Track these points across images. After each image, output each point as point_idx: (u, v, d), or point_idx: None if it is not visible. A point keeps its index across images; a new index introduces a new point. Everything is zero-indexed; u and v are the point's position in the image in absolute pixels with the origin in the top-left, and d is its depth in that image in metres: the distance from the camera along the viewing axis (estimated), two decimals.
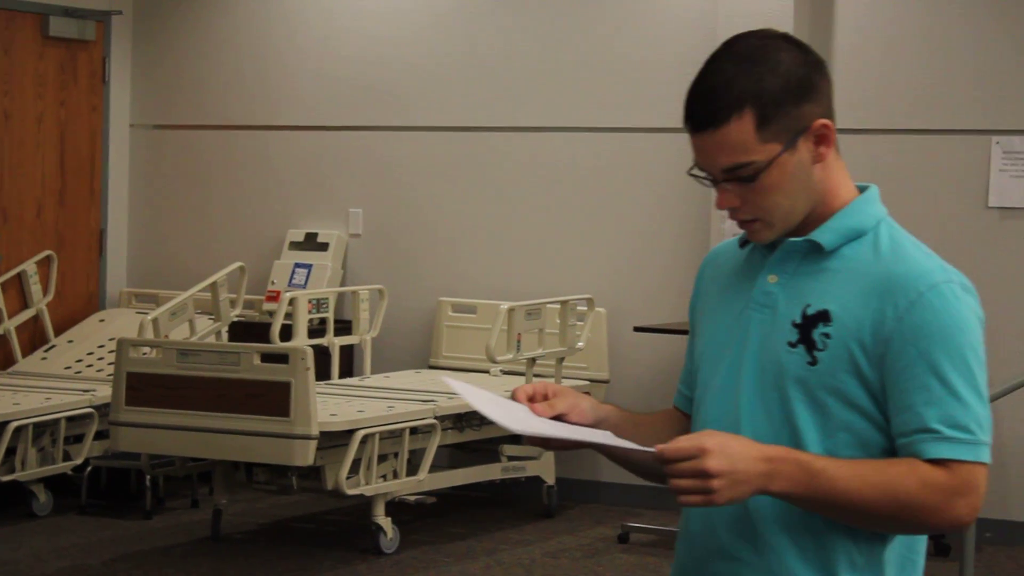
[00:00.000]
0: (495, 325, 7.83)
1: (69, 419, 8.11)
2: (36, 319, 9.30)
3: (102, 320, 9.44)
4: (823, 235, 2.47)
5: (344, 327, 8.76)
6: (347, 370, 8.91)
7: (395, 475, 7.59)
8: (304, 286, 9.16)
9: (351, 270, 9.50)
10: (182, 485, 8.63)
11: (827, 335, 2.41)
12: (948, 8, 8.19)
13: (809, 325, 2.43)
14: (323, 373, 8.24)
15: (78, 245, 9.78)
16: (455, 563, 7.52)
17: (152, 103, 10.05)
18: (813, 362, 2.41)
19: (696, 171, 2.48)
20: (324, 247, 9.41)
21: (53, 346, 9.21)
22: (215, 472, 7.74)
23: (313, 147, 9.64)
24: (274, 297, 9.09)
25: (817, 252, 2.47)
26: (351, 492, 7.35)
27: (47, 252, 9.37)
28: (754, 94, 2.42)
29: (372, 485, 7.43)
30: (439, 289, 9.17)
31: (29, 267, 9.22)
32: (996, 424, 8.21)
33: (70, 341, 9.24)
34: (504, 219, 9.05)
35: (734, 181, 2.43)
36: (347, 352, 8.90)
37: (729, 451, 2.30)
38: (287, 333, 8.21)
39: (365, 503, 7.70)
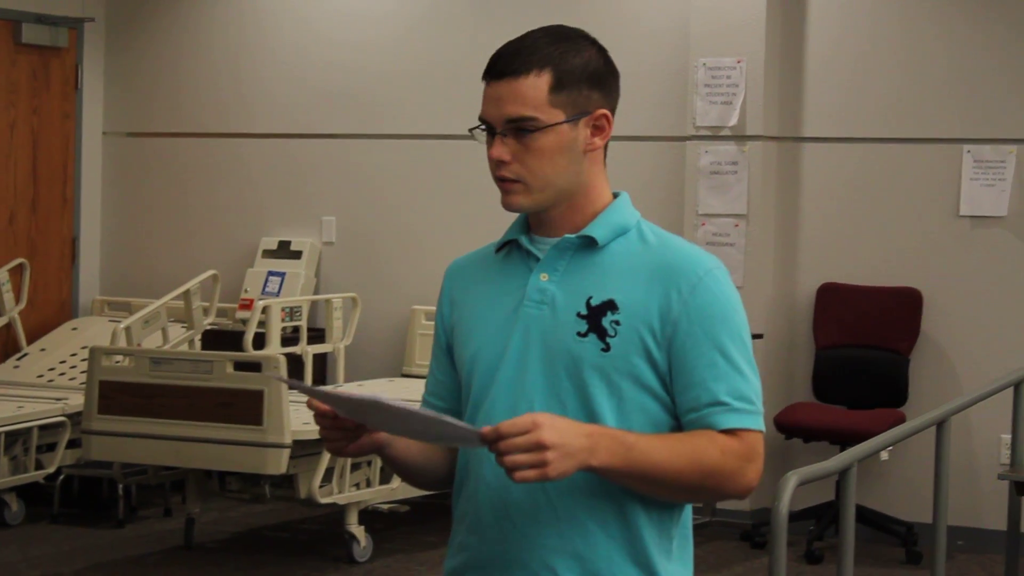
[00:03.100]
0: None
1: (41, 428, 8.09)
2: (8, 327, 9.27)
3: (75, 328, 9.42)
4: (596, 230, 2.62)
5: (318, 335, 8.76)
6: (320, 378, 8.90)
7: (368, 483, 7.59)
8: (277, 294, 9.15)
9: (324, 278, 9.50)
10: (155, 494, 8.62)
11: (616, 322, 2.56)
12: (919, 18, 8.23)
13: (597, 315, 2.57)
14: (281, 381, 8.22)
15: (51, 253, 9.76)
16: (428, 571, 7.52)
17: (125, 111, 10.03)
18: (607, 348, 2.55)
19: (476, 129, 2.64)
20: (297, 255, 9.41)
21: (25, 354, 9.18)
22: (188, 481, 7.73)
23: (286, 155, 9.64)
24: (247, 305, 9.08)
25: (589, 248, 2.62)
26: (324, 501, 7.35)
27: (19, 260, 9.34)
28: (556, 62, 2.60)
29: (345, 494, 7.43)
30: (412, 297, 9.18)
31: (1, 275, 9.19)
32: (968, 431, 8.19)
33: (42, 349, 9.21)
34: (478, 227, 9.04)
35: (513, 135, 2.58)
36: (320, 360, 8.90)
37: (558, 425, 2.41)
38: (260, 341, 8.21)
39: (338, 512, 7.70)
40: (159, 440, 7.25)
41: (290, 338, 8.50)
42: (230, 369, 7.22)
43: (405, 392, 8.30)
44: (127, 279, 9.95)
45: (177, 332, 8.70)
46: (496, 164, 2.60)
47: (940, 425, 5.76)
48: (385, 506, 7.75)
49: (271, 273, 9.37)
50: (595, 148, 2.64)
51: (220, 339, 8.91)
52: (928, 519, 5.96)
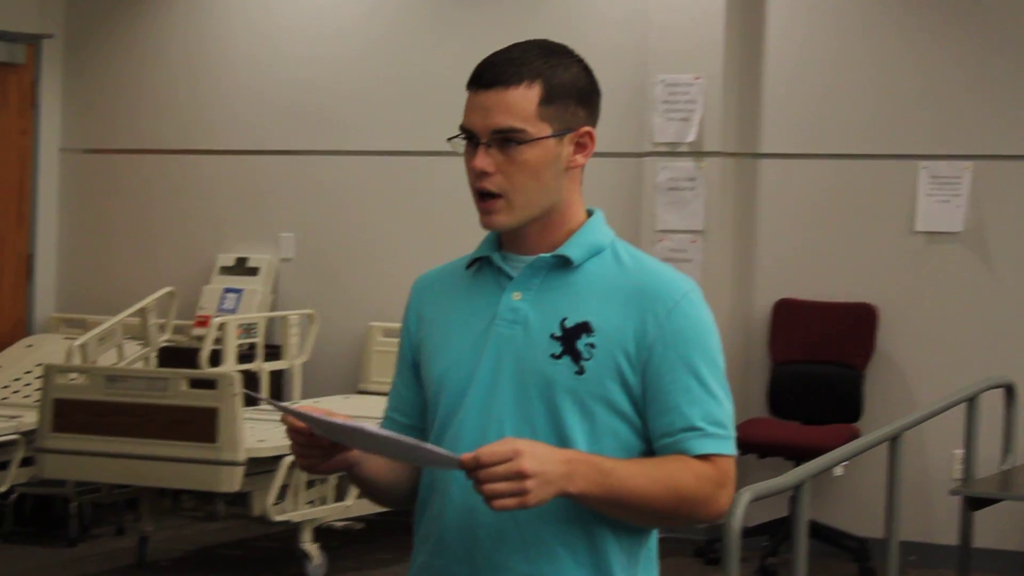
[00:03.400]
0: None
1: None
2: None
3: (30, 346, 9.35)
4: (571, 250, 2.59)
5: (274, 352, 8.73)
6: (277, 395, 8.87)
7: (323, 501, 7.56)
8: (234, 311, 9.12)
9: (282, 295, 9.46)
10: (108, 512, 8.57)
11: (592, 345, 2.52)
12: (874, 36, 8.25)
13: (571, 337, 2.53)
14: (252, 399, 8.20)
15: (6, 270, 9.70)
16: None
17: (83, 127, 9.99)
18: (581, 371, 2.52)
19: (457, 138, 2.59)
20: (254, 272, 9.38)
21: None
22: (141, 499, 7.69)
23: (244, 171, 9.61)
24: (203, 322, 9.05)
25: (563, 267, 2.58)
26: (278, 518, 7.32)
27: None
28: (547, 76, 2.55)
29: (299, 511, 7.40)
30: (370, 314, 9.15)
31: None
32: (922, 446, 8.20)
33: None
34: (434, 244, 9.04)
35: (498, 146, 2.54)
36: (277, 377, 8.87)
37: (538, 452, 2.39)
38: (217, 358, 8.18)
39: (292, 529, 7.67)
40: (113, 458, 7.21)
41: (247, 355, 8.47)
42: (185, 387, 7.19)
43: (361, 409, 8.26)
44: (83, 296, 9.90)
45: (133, 349, 8.66)
46: (478, 175, 2.56)
47: (893, 440, 5.77)
48: (339, 524, 7.72)
49: (228, 290, 9.34)
50: (577, 165, 2.60)
51: (176, 356, 8.87)
52: (882, 534, 5.97)
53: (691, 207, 8.32)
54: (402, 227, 9.19)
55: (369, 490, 2.70)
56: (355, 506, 7.68)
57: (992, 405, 6.72)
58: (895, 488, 5.75)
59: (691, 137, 8.32)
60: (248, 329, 8.54)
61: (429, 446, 2.41)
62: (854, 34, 8.30)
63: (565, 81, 2.56)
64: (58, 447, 7.29)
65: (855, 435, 7.56)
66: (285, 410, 2.50)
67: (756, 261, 8.47)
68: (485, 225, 2.59)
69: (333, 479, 7.50)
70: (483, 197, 2.57)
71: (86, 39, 9.96)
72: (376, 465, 2.63)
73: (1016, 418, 6.68)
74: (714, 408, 2.53)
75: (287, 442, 8.00)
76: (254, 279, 9.35)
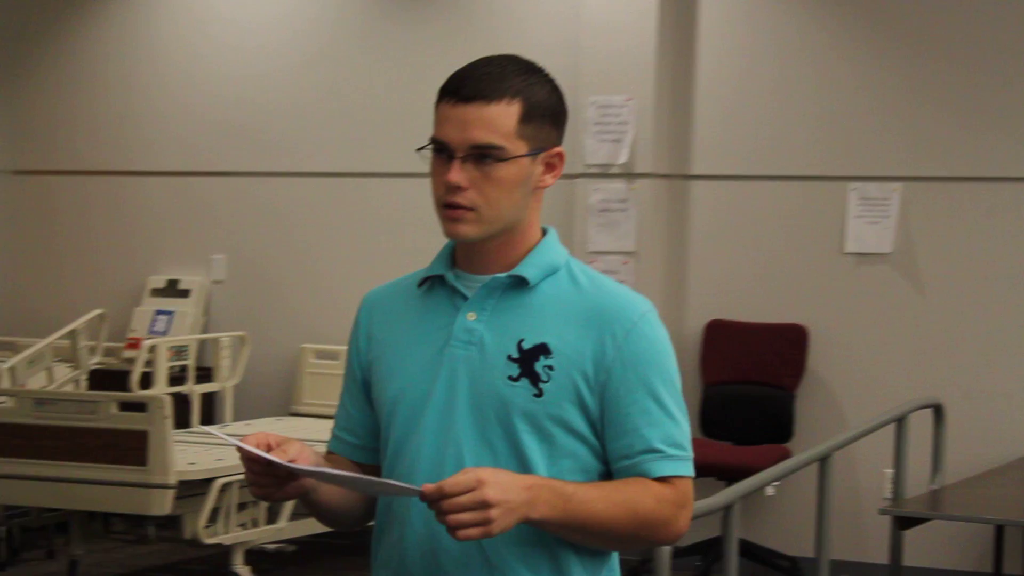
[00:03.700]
0: None
1: None
2: None
3: None
4: (527, 270, 2.56)
5: (206, 374, 8.69)
6: (208, 418, 8.83)
7: (255, 524, 7.52)
8: (165, 333, 9.08)
9: (213, 317, 9.43)
10: (38, 536, 8.49)
11: (550, 367, 2.50)
12: (805, 56, 8.31)
13: (529, 358, 2.51)
14: (183, 421, 8.16)
15: None
16: None
17: (10, 148, 9.92)
18: (539, 394, 2.50)
19: (427, 148, 2.54)
20: (186, 294, 9.35)
21: None
22: (72, 522, 7.62)
23: (175, 192, 9.57)
24: (134, 344, 9.00)
25: (518, 288, 2.56)
26: (210, 541, 7.27)
27: None
28: (526, 93, 2.52)
29: (231, 534, 7.36)
30: (302, 335, 9.13)
31: None
32: (851, 466, 8.28)
33: None
34: (368, 265, 9.03)
35: (474, 161, 2.49)
36: (208, 399, 8.83)
37: (501, 481, 2.36)
38: (148, 381, 8.13)
39: (224, 552, 7.62)
40: (42, 482, 7.14)
41: (178, 377, 8.43)
42: (115, 409, 7.13)
43: (293, 431, 8.24)
44: (12, 318, 9.82)
45: (63, 372, 8.60)
46: (451, 189, 2.50)
47: (823, 460, 5.81)
48: (271, 546, 7.68)
49: (159, 312, 9.30)
50: (545, 185, 2.58)
51: (107, 379, 8.81)
52: (813, 553, 6.00)
53: (623, 228, 8.35)
54: (335, 248, 9.18)
55: (322, 514, 2.67)
56: (287, 528, 7.64)
57: (921, 425, 6.78)
58: (825, 507, 5.79)
59: (623, 159, 8.35)
60: (179, 351, 8.51)
61: (390, 481, 2.40)
62: (786, 56, 8.36)
63: (542, 100, 2.53)
64: None
65: (786, 455, 7.60)
66: (240, 447, 2.48)
67: (688, 282, 8.50)
68: (449, 234, 2.54)
69: (264, 503, 7.47)
70: (452, 207, 2.53)
71: (17, 59, 9.90)
72: (329, 491, 2.60)
73: (944, 438, 6.74)
74: (673, 430, 2.52)
75: (218, 465, 7.92)
76: (185, 301, 9.32)
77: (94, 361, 8.78)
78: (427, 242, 9.86)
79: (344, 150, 9.15)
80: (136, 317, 9.33)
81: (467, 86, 2.51)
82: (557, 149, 2.57)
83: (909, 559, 6.70)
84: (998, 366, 7.98)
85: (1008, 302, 7.97)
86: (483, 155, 2.49)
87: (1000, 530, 7.32)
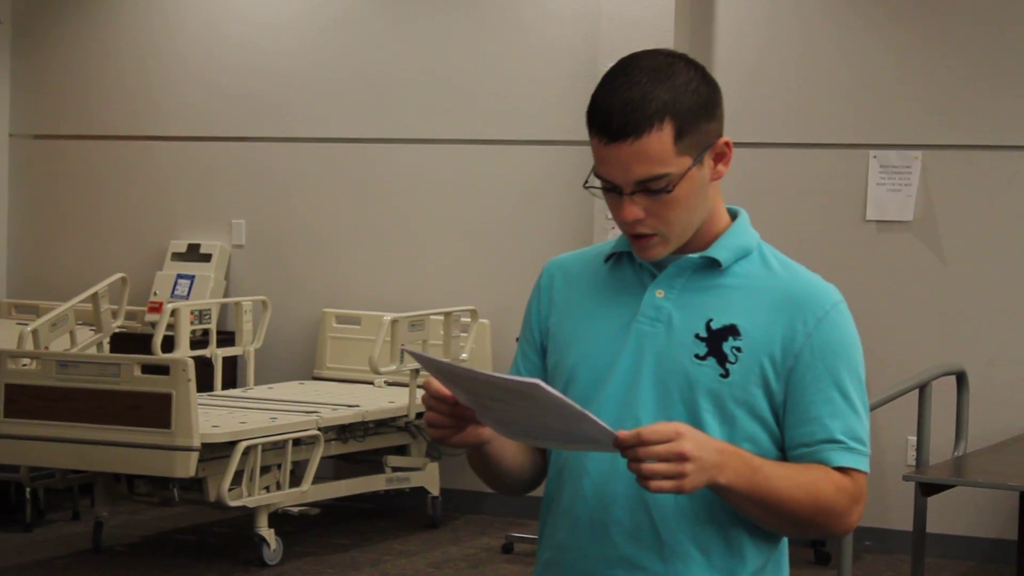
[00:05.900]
0: (379, 336, 7.83)
1: None
2: None
3: None
4: (719, 252, 2.54)
5: (227, 338, 8.72)
6: (230, 381, 8.86)
7: (278, 486, 7.56)
8: (187, 297, 9.11)
9: (234, 281, 9.45)
10: (63, 497, 8.54)
11: (738, 348, 2.47)
12: (826, 24, 8.30)
13: (718, 338, 2.48)
14: (206, 384, 8.20)
15: None
16: (339, 574, 7.51)
17: (32, 113, 9.95)
18: (726, 374, 2.47)
19: (594, 184, 2.49)
20: (207, 258, 9.37)
21: None
22: (96, 484, 7.66)
23: (196, 157, 9.59)
24: (156, 308, 9.03)
25: (709, 268, 2.53)
26: (234, 504, 7.31)
27: None
28: (673, 108, 2.44)
29: (255, 497, 7.40)
30: (323, 300, 9.16)
31: None
32: (875, 433, 8.32)
33: None
34: (388, 230, 9.05)
35: (645, 193, 2.44)
36: (230, 363, 8.86)
37: (698, 438, 2.33)
38: (169, 344, 8.16)
39: (248, 515, 7.67)
40: (67, 443, 7.19)
41: (199, 341, 8.46)
42: (138, 372, 7.17)
43: (316, 396, 8.28)
44: (35, 282, 9.86)
45: (86, 335, 8.63)
46: (631, 224, 2.46)
47: None
48: (295, 509, 7.72)
49: (180, 276, 9.32)
50: (720, 175, 2.54)
51: (129, 342, 8.84)
52: None
53: None
54: (354, 214, 9.19)
55: (489, 472, 2.59)
56: (311, 491, 7.68)
57: (944, 392, 6.79)
58: None
59: None
60: (201, 315, 8.53)
61: (589, 414, 2.29)
62: (808, 25, 8.35)
63: (690, 105, 2.45)
64: (11, 433, 7.26)
65: None
66: (429, 383, 2.38)
67: None
68: (642, 258, 2.51)
69: (288, 464, 7.50)
70: (636, 236, 2.49)
71: (34, 25, 9.91)
72: (502, 446, 2.54)
73: (967, 404, 6.75)
74: (855, 423, 2.49)
75: (241, 427, 7.95)
76: (206, 265, 9.34)
77: (116, 324, 8.81)
78: (444, 209, 9.90)
79: (362, 116, 9.15)
80: (158, 281, 9.35)
81: (614, 122, 2.42)
82: (724, 140, 2.52)
83: (933, 526, 6.71)
84: (1021, 332, 7.99)
85: None
86: (651, 189, 2.44)
87: None
